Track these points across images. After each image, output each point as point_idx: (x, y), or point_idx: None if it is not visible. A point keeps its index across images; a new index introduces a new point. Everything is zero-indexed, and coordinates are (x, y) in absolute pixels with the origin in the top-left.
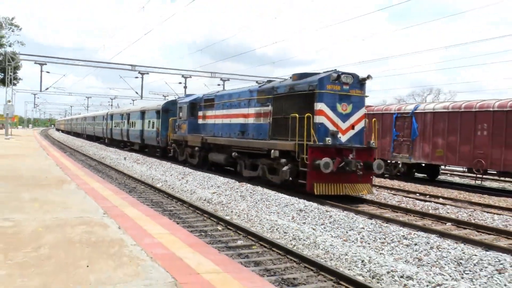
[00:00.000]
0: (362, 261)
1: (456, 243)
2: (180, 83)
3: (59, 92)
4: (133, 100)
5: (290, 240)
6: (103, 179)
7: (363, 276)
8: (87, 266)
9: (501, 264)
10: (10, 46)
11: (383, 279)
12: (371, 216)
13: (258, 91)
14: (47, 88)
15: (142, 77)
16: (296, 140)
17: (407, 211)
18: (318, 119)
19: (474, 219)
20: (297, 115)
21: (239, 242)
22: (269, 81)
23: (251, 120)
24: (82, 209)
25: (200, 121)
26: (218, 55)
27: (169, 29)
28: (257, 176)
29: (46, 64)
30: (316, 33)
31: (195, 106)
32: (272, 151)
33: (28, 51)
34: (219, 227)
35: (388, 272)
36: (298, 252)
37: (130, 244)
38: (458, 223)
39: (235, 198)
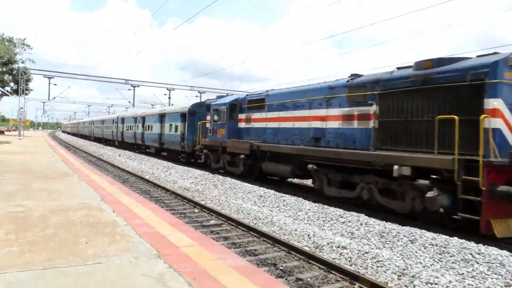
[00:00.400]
0: (308, 235)
1: (380, 220)
2: (165, 94)
3: (64, 101)
4: (127, 108)
5: (252, 220)
6: (101, 172)
7: (309, 247)
8: (86, 243)
9: (413, 235)
10: (22, 62)
11: (324, 249)
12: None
13: (349, 87)
14: (54, 98)
15: (134, 89)
16: (455, 153)
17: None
18: (493, 123)
19: None
20: (455, 117)
21: (212, 222)
22: (356, 75)
23: (334, 124)
24: (83, 197)
25: (242, 124)
26: (196, 72)
27: (157, 50)
28: (353, 198)
29: (53, 77)
30: (273, 56)
31: (235, 108)
32: (396, 167)
33: (39, 67)
34: (196, 210)
35: (328, 244)
36: (259, 229)
37: (122, 224)
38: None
39: (209, 187)
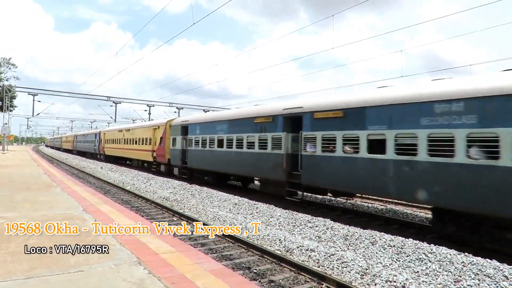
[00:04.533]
0: (280, 239)
1: (344, 224)
2: (145, 110)
3: (48, 116)
4: (108, 123)
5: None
6: (84, 184)
7: (280, 251)
8: None
9: (374, 238)
10: (7, 80)
11: (294, 252)
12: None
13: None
14: (38, 114)
15: (116, 106)
16: None
17: (309, 203)
18: None
19: (355, 208)
20: None
21: None
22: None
23: None
24: (65, 207)
25: None
26: (174, 89)
27: (138, 69)
28: None
29: (37, 95)
30: (247, 75)
31: None
32: None
33: (23, 84)
34: (175, 218)
35: (297, 247)
36: (233, 235)
37: (104, 233)
38: (345, 211)
39: (187, 196)
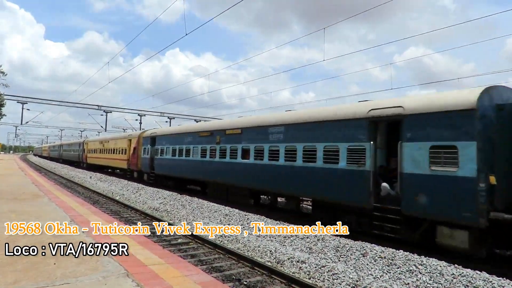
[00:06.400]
0: (270, 251)
1: (334, 236)
2: (136, 119)
3: (37, 125)
4: (99, 132)
5: (218, 237)
6: (72, 193)
7: (271, 262)
8: (54, 264)
9: (364, 249)
10: None
11: (285, 263)
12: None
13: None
14: (27, 122)
15: (106, 115)
16: None
17: (302, 214)
18: None
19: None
20: None
21: (179, 240)
22: None
23: None
24: (52, 218)
25: None
26: (166, 99)
27: (129, 79)
28: None
29: (26, 103)
30: (239, 86)
31: None
32: None
33: (13, 92)
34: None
35: (288, 259)
36: (224, 246)
37: (92, 244)
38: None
39: (177, 207)
